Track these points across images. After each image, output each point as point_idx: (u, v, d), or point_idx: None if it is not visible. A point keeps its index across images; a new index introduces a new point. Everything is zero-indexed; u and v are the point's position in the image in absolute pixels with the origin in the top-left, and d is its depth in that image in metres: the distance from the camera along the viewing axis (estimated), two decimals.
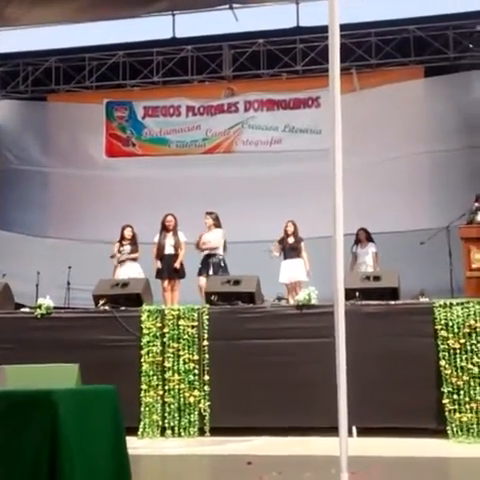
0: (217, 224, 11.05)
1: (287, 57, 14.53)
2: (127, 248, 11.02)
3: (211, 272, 10.58)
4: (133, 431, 7.66)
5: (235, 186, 14.07)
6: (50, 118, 15.72)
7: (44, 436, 3.20)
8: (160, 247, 10.89)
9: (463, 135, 13.55)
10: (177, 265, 10.74)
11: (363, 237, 11.75)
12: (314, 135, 14.20)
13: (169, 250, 10.88)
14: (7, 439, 3.25)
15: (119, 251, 11.01)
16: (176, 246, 10.86)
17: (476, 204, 9.69)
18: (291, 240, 11.27)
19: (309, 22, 14.58)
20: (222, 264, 10.79)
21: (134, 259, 11.02)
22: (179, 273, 10.87)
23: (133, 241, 11.12)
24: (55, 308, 8.97)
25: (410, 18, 14.20)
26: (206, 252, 10.89)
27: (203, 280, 10.28)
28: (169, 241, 10.90)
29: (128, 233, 11.11)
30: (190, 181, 14.30)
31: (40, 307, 8.70)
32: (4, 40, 16.11)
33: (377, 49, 14.18)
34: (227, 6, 15.03)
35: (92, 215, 14.75)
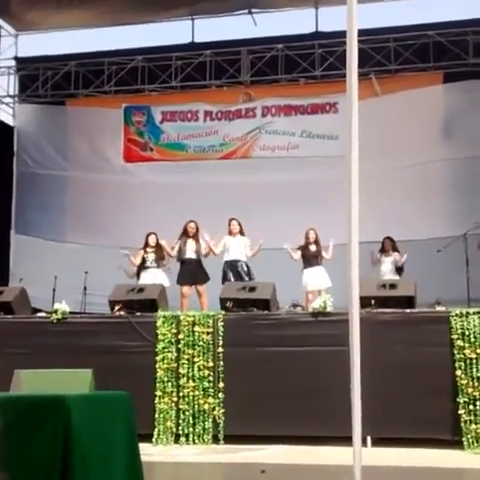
0: (242, 231, 11.10)
1: (306, 62, 14.50)
2: (151, 256, 11.02)
3: (246, 279, 10.60)
4: (147, 438, 7.67)
5: (252, 192, 14.05)
6: (69, 122, 15.78)
7: (57, 441, 3.19)
8: (182, 252, 10.94)
9: None
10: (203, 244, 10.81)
11: (388, 246, 11.69)
12: (331, 141, 14.15)
13: (190, 255, 10.91)
14: (20, 444, 3.24)
15: (143, 259, 10.99)
16: (198, 252, 10.90)
17: None
18: (313, 248, 11.24)
19: (328, 27, 14.60)
20: (246, 270, 10.82)
21: (163, 265, 11.02)
22: (205, 277, 10.88)
23: (158, 249, 11.11)
24: (71, 313, 9.00)
25: (429, 23, 14.13)
26: (229, 258, 10.91)
27: None
28: (190, 246, 10.94)
29: (152, 240, 11.14)
30: (207, 187, 14.31)
31: (56, 312, 8.71)
32: (24, 44, 16.28)
33: (396, 54, 14.12)
34: (246, 11, 15.08)
35: (110, 220, 14.79)
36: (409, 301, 8.25)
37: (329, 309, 8.17)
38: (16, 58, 16.32)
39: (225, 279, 10.71)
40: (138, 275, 11.06)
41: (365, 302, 7.96)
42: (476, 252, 8.88)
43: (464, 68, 13.93)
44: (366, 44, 13.18)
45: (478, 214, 10.67)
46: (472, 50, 13.85)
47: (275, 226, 13.35)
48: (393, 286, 8.54)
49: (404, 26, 14.27)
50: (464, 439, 7.35)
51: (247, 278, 10.64)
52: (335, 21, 13.72)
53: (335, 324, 7.77)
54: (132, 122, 15.59)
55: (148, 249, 11.10)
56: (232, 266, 10.89)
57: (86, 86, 15.52)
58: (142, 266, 11.00)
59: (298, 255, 11.26)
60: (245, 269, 10.84)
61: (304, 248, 11.31)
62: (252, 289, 8.82)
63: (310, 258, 11.22)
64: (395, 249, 11.69)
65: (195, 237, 11.01)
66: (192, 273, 10.88)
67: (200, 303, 10.74)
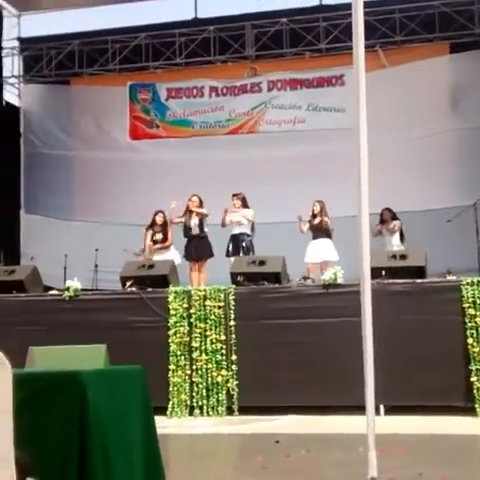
0: (245, 205, 11.07)
1: (310, 35, 14.39)
2: (159, 236, 11.01)
3: (241, 253, 10.59)
4: (162, 411, 7.74)
5: (259, 166, 14.03)
6: (74, 102, 15.77)
7: (73, 417, 3.18)
8: (186, 228, 10.94)
9: None
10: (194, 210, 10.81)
11: (388, 217, 11.67)
12: (338, 114, 14.09)
13: (195, 231, 10.92)
14: (36, 420, 3.24)
15: (153, 241, 10.97)
16: (201, 226, 10.89)
17: None
18: (317, 220, 11.20)
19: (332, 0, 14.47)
20: (250, 245, 10.81)
21: (167, 247, 11.02)
22: (208, 253, 10.89)
23: (164, 228, 11.10)
24: (83, 290, 9.05)
25: None
26: (234, 232, 10.91)
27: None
28: (194, 221, 10.93)
29: (160, 219, 11.11)
30: (214, 162, 14.29)
31: (68, 289, 8.77)
32: (27, 25, 16.22)
33: (401, 26, 14.00)
34: None
35: (117, 197, 14.80)
36: (420, 271, 8.26)
37: (340, 281, 8.20)
38: (19, 39, 16.26)
39: (228, 254, 10.75)
40: None
41: (376, 273, 7.98)
42: None
43: (470, 38, 13.81)
44: (371, 16, 13.04)
45: None
46: (478, 20, 13.71)
47: (282, 200, 13.37)
48: (403, 257, 8.55)
49: None
50: (477, 406, 7.40)
51: (242, 253, 10.63)
52: None
53: (346, 295, 7.80)
54: (137, 100, 15.55)
55: (156, 228, 11.09)
56: (234, 240, 10.91)
57: (90, 65, 15.46)
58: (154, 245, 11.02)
59: (306, 228, 11.23)
60: (246, 244, 10.82)
61: (310, 221, 11.28)
62: (262, 263, 8.84)
63: (314, 230, 11.18)
64: (394, 218, 11.68)
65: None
66: (196, 249, 10.89)
67: (198, 278, 10.72)
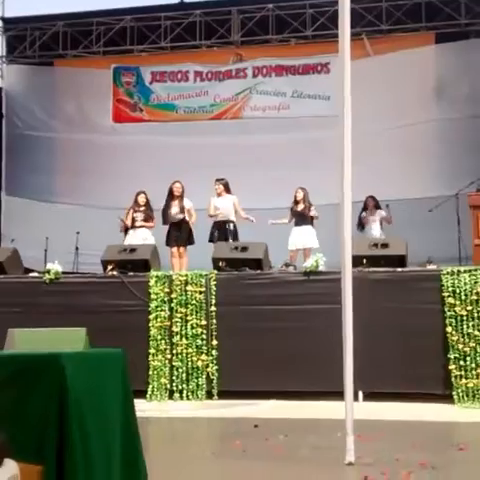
0: (227, 190, 11.04)
1: (296, 22, 14.36)
2: (140, 215, 10.99)
3: (230, 239, 10.57)
4: (141, 394, 7.74)
5: (243, 152, 13.99)
6: (57, 83, 15.61)
7: (52, 399, 3.18)
8: (167, 214, 10.90)
9: (473, 102, 13.40)
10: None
11: (371, 204, 11.75)
12: (323, 101, 14.07)
13: (176, 216, 10.89)
14: (15, 402, 3.24)
15: (133, 219, 10.96)
16: (182, 212, 10.87)
17: None
18: (300, 207, 11.20)
19: None
20: (234, 231, 10.79)
21: (149, 227, 11.01)
22: (188, 239, 10.89)
23: (147, 208, 11.05)
24: (64, 273, 9.02)
25: None
26: (218, 219, 10.88)
27: None
28: (176, 208, 10.91)
29: (142, 199, 11.06)
30: (198, 147, 14.23)
31: (49, 272, 8.74)
32: (11, 4, 16.07)
33: (388, 15, 14.01)
34: None
35: (100, 180, 14.71)
36: (401, 260, 8.32)
37: (321, 268, 8.23)
38: (3, 18, 16.07)
39: (211, 240, 10.69)
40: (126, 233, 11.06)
41: (357, 261, 8.02)
42: (467, 211, 8.96)
43: (456, 28, 13.85)
44: (358, 4, 13.05)
45: (470, 174, 10.69)
46: (464, 10, 13.76)
47: (266, 186, 13.37)
48: (385, 245, 8.59)
49: None
50: (454, 393, 7.47)
51: (231, 239, 10.62)
52: None
53: (327, 283, 7.84)
54: (121, 83, 15.44)
55: (137, 208, 11.06)
56: (220, 226, 10.87)
57: (75, 47, 15.33)
58: (131, 225, 10.98)
59: (287, 219, 11.23)
60: (232, 229, 10.80)
61: (292, 207, 11.28)
62: (244, 249, 8.86)
63: (297, 217, 11.18)
64: (378, 207, 11.76)
65: (180, 197, 10.95)
66: (177, 235, 10.86)
67: (179, 264, 10.70)
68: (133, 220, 10.96)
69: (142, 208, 11.01)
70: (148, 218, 10.98)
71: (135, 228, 10.92)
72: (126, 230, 11.06)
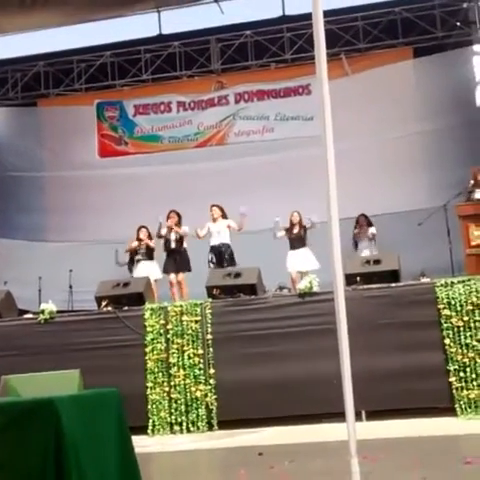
0: (224, 215, 11.10)
1: (275, 47, 14.50)
2: (143, 249, 11.14)
3: (225, 264, 10.60)
4: (143, 430, 7.68)
5: (230, 177, 14.05)
6: (42, 123, 15.69)
7: (49, 445, 3.15)
8: (166, 242, 10.99)
9: (455, 113, 13.50)
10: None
11: (363, 223, 11.79)
12: (306, 122, 14.15)
13: (173, 244, 10.97)
14: (11, 451, 3.21)
15: (135, 252, 11.14)
16: (181, 241, 10.96)
17: (472, 182, 9.71)
18: (296, 230, 11.23)
19: (295, 10, 14.55)
20: (230, 255, 10.83)
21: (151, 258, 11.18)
22: (186, 266, 10.93)
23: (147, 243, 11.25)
24: (58, 312, 8.98)
25: (395, 0, 14.15)
26: (213, 243, 10.92)
27: None
28: (173, 236, 10.97)
29: (143, 234, 11.30)
30: (185, 175, 14.30)
31: (43, 312, 8.70)
32: None
33: (365, 33, 14.16)
34: (212, 0, 14.98)
35: (90, 216, 14.74)
36: (394, 275, 8.31)
37: (315, 289, 8.21)
38: None
39: (209, 264, 10.75)
40: (130, 269, 11.16)
41: (351, 279, 8.02)
42: (457, 222, 9.00)
43: (433, 42, 13.98)
44: (334, 24, 13.20)
45: (458, 184, 10.74)
46: (440, 23, 13.91)
47: (256, 209, 13.36)
48: (377, 261, 8.58)
49: (371, 4, 14.32)
50: (457, 406, 7.43)
51: (226, 264, 10.64)
52: (301, 3, 13.68)
53: (322, 303, 7.81)
54: (105, 118, 15.53)
55: (141, 243, 11.20)
56: (215, 251, 10.91)
57: (57, 85, 15.45)
58: (134, 259, 11.08)
59: (281, 233, 11.25)
60: (227, 255, 10.83)
61: (288, 230, 11.31)
62: (237, 275, 8.84)
63: (293, 240, 11.21)
64: (370, 224, 11.80)
65: (177, 226, 11.02)
66: (174, 263, 10.92)
67: (180, 293, 10.74)
68: (136, 253, 11.10)
69: (145, 243, 11.13)
70: (150, 251, 11.17)
71: (139, 261, 11.05)
72: (129, 267, 11.13)
